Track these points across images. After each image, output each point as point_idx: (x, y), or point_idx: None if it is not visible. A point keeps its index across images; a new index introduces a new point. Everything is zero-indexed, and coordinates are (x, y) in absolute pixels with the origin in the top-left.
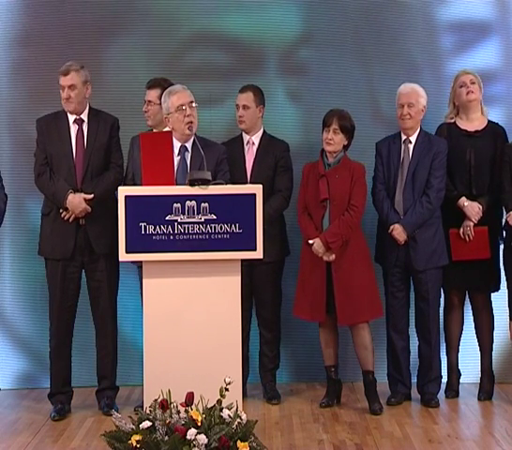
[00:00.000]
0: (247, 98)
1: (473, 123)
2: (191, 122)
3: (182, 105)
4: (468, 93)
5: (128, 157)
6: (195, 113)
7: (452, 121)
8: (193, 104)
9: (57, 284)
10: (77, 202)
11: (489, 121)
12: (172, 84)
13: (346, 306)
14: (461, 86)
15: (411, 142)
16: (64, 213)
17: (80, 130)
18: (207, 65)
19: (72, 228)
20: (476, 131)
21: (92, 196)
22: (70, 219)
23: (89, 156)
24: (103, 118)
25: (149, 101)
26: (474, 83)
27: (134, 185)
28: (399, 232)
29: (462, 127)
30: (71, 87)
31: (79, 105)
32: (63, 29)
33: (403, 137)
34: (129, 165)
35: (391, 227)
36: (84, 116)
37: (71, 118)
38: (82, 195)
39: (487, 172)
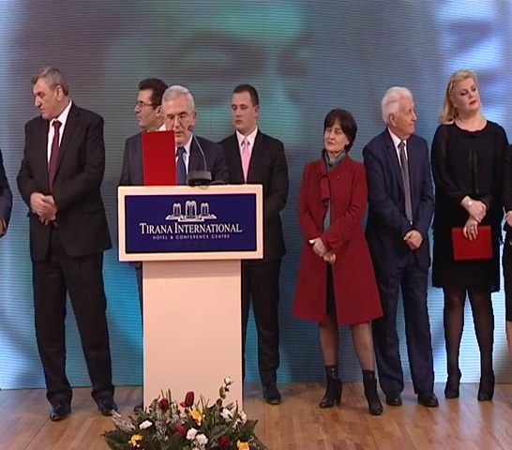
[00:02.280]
0: (244, 98)
1: (473, 124)
2: (179, 132)
3: (171, 115)
4: (472, 102)
5: (123, 159)
6: (190, 122)
7: (451, 123)
8: (184, 115)
9: (37, 285)
10: (36, 202)
11: (488, 121)
12: (164, 85)
13: (346, 305)
14: (463, 94)
15: (405, 145)
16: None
17: (56, 133)
18: (207, 65)
19: (46, 230)
20: (477, 132)
21: (50, 197)
22: (44, 222)
23: (61, 159)
24: (82, 119)
25: (141, 102)
26: (475, 90)
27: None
28: (418, 238)
29: (462, 128)
30: (40, 94)
31: (53, 110)
32: (63, 29)
33: (397, 141)
34: (124, 167)
35: (409, 234)
36: (63, 119)
37: (51, 121)
38: (40, 195)
39: (489, 172)
